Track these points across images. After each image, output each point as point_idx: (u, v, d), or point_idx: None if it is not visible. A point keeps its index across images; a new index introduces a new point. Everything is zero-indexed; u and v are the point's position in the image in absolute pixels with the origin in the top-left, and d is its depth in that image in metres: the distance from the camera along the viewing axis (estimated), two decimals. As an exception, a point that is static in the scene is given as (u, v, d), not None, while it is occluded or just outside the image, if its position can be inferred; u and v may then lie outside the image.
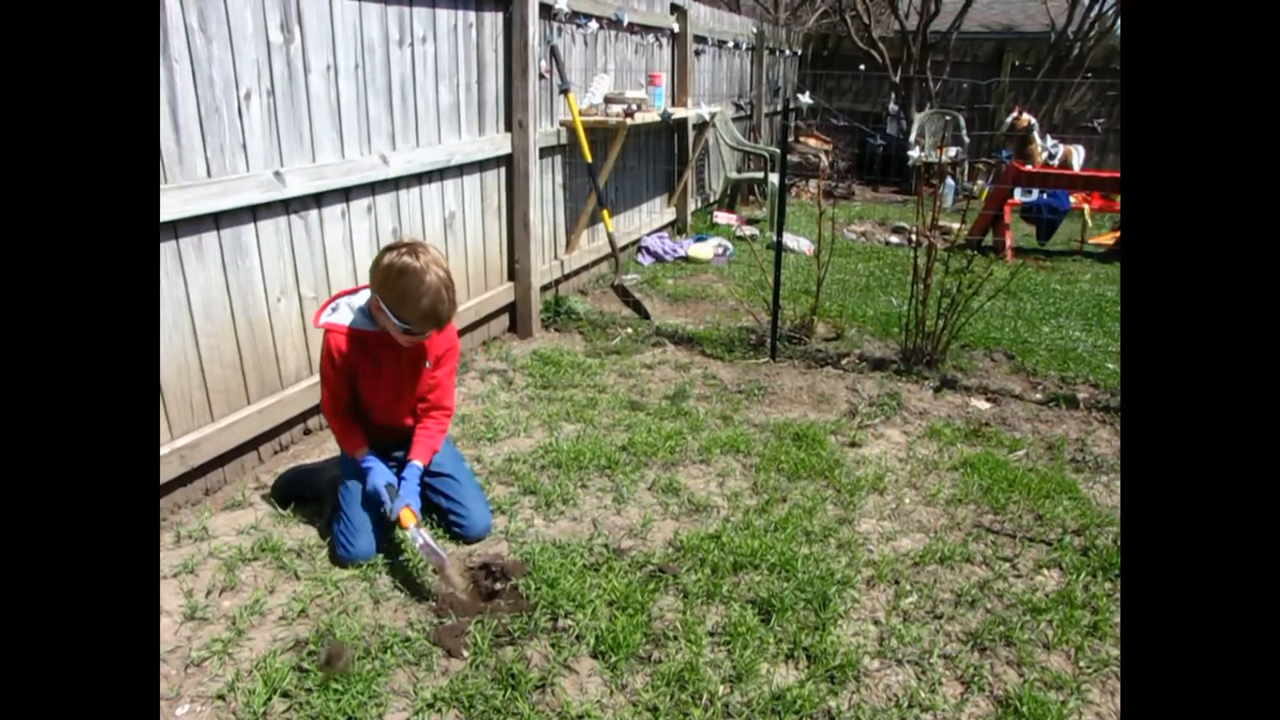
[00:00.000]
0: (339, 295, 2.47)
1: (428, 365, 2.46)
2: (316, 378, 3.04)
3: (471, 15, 3.75)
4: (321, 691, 1.82)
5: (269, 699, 1.81)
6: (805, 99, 6.04)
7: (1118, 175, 7.78)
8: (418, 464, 2.42)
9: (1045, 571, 2.43)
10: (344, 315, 2.39)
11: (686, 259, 6.17)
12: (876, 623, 2.17)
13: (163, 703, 1.81)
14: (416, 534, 2.23)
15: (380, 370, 2.40)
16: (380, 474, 2.36)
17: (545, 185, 4.60)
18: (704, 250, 6.26)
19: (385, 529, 2.38)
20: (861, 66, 11.05)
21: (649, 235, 6.27)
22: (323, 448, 3.04)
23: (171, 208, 2.35)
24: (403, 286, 2.18)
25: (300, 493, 2.63)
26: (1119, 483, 2.99)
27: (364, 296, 2.40)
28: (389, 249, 2.24)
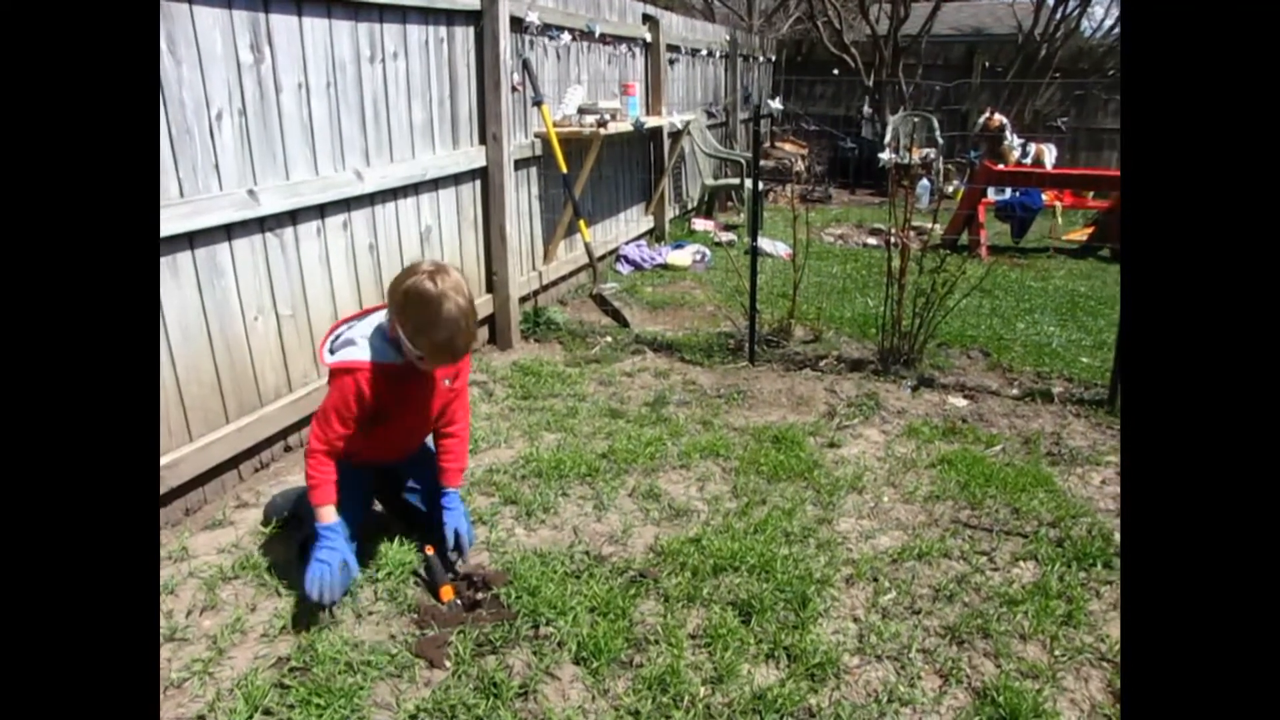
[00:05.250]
0: (337, 325, 2.28)
1: (448, 383, 2.33)
2: (295, 395, 3.05)
3: (443, 30, 3.77)
4: (304, 707, 1.82)
5: (250, 717, 1.81)
6: (775, 104, 6.10)
7: (1087, 173, 7.92)
8: (455, 491, 2.33)
9: (1021, 564, 2.47)
10: (360, 351, 2.14)
11: (665, 266, 6.21)
12: (856, 620, 2.19)
13: (144, 724, 1.80)
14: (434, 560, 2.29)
15: (405, 404, 2.24)
16: (338, 554, 2.10)
17: (521, 197, 4.62)
18: (682, 257, 6.29)
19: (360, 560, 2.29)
20: (835, 71, 11.18)
21: (627, 244, 6.30)
22: (303, 464, 3.04)
23: (143, 229, 2.35)
24: (418, 314, 2.03)
25: (298, 512, 2.53)
26: (1094, 474, 3.04)
27: (372, 322, 2.20)
28: (411, 270, 2.06)
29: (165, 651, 2.03)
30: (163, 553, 2.44)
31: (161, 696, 1.88)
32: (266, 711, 1.83)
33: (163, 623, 2.12)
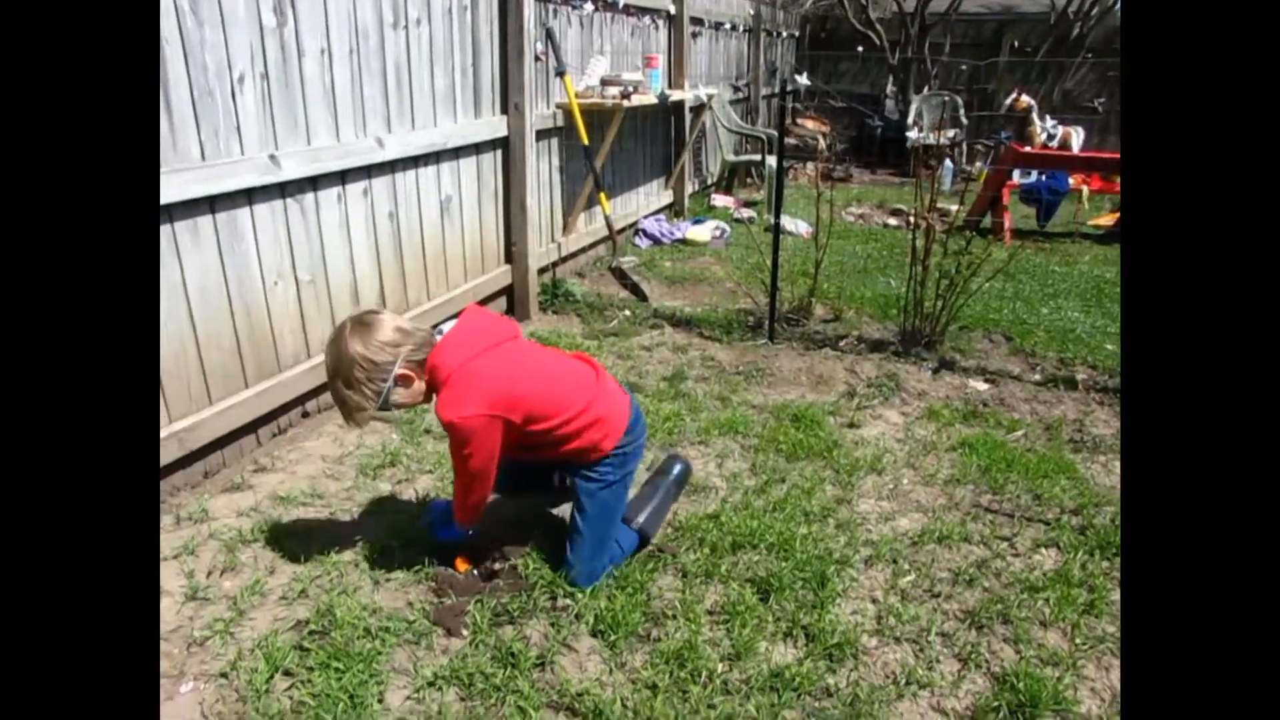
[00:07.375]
0: None
1: None
2: (314, 361, 3.05)
3: (466, -4, 3.72)
4: (323, 670, 1.83)
5: (271, 677, 1.82)
6: (803, 80, 6.01)
7: (1116, 156, 7.77)
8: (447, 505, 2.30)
9: (1043, 550, 2.44)
10: None
11: (684, 241, 6.16)
12: (875, 601, 2.18)
13: (166, 680, 1.82)
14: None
15: None
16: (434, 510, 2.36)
17: (542, 168, 4.58)
18: (702, 233, 6.24)
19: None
20: (859, 48, 10.98)
21: (646, 218, 6.25)
22: (321, 430, 3.05)
23: (165, 191, 2.34)
24: None
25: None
26: (1117, 463, 3.00)
27: None
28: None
29: (188, 610, 2.04)
30: (183, 513, 2.45)
31: (185, 653, 1.90)
32: (287, 672, 1.84)
33: (184, 582, 2.14)
